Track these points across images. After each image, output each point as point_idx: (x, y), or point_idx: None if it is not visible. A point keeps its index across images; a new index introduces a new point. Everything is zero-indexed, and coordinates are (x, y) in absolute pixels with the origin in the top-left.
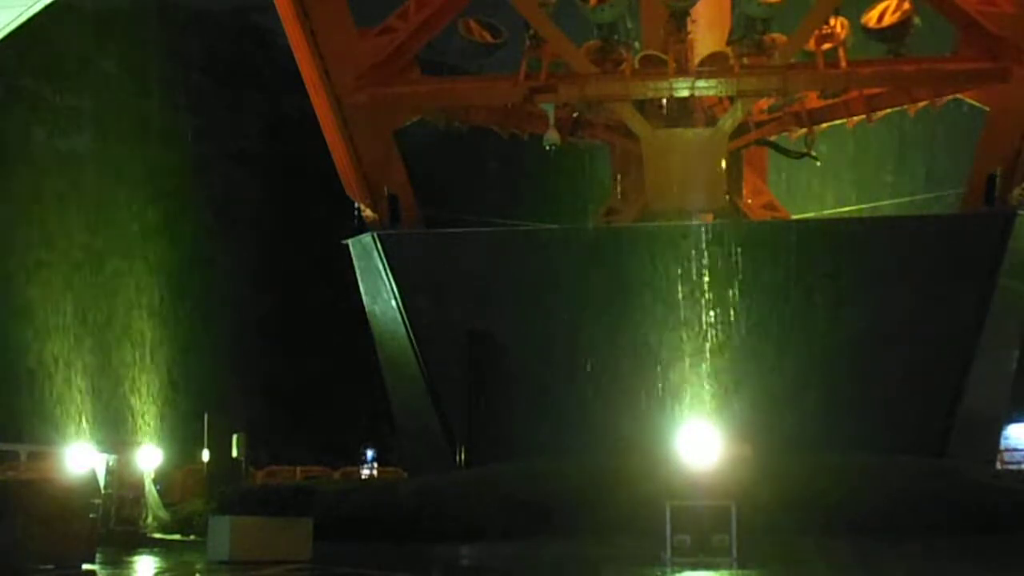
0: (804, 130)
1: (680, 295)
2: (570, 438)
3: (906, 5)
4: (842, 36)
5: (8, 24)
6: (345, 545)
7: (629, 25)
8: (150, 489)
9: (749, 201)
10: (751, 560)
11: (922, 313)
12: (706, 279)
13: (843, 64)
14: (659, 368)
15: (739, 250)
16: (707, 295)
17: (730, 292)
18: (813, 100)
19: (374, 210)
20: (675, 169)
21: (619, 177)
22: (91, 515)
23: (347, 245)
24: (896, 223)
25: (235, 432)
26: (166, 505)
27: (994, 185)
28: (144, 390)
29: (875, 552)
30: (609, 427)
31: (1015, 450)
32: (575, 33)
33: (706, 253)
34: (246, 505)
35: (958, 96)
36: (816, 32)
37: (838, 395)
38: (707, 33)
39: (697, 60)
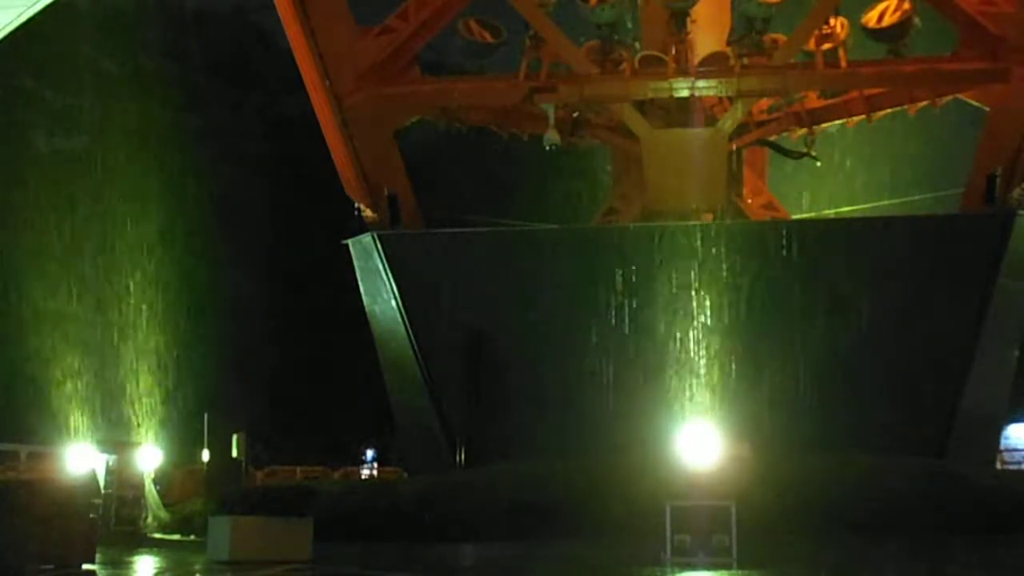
0: (804, 130)
1: (679, 295)
2: (570, 438)
3: (906, 5)
4: (842, 36)
5: (8, 24)
6: (345, 545)
7: (629, 25)
8: (150, 489)
9: (749, 201)
10: (751, 560)
11: (922, 313)
12: (705, 279)
13: (843, 64)
14: (659, 368)
15: (739, 250)
16: (707, 295)
17: (730, 292)
18: (813, 100)
19: (374, 210)
20: (675, 169)
21: (619, 177)
22: (91, 515)
23: (347, 245)
24: (896, 223)
25: (235, 432)
26: (166, 505)
27: (994, 185)
28: (144, 390)
29: (874, 552)
30: (609, 427)
31: (1015, 450)
32: (575, 33)
33: (706, 253)
34: (246, 505)
35: (958, 96)
36: (816, 32)
37: (838, 395)
38: (707, 33)
39: (697, 60)
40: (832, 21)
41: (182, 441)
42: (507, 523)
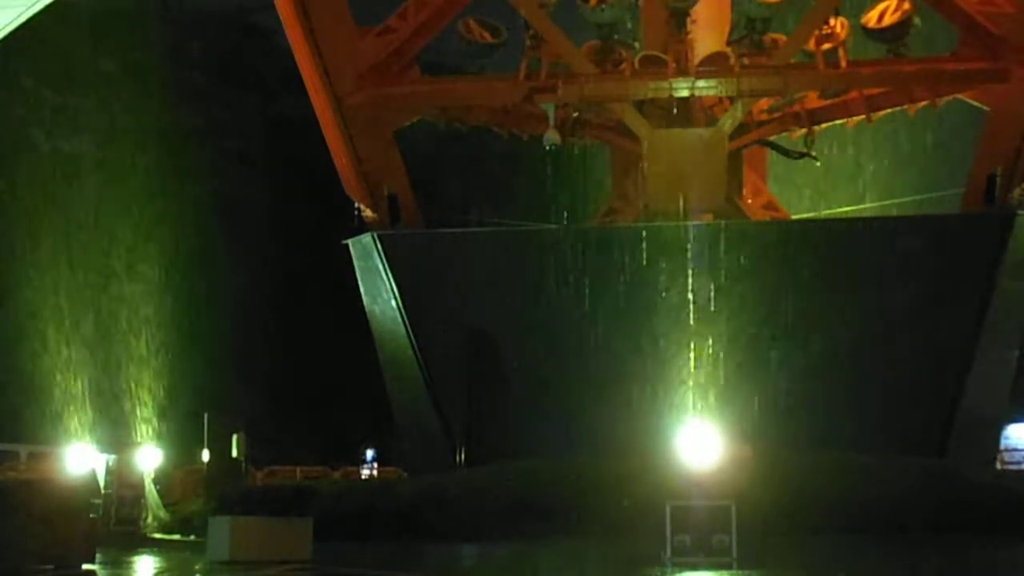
0: (804, 130)
1: (680, 295)
2: (570, 438)
3: (906, 5)
4: (842, 36)
5: (8, 24)
6: (345, 545)
7: (629, 25)
8: (150, 489)
9: (749, 201)
10: (751, 560)
11: (922, 313)
12: (705, 279)
13: (843, 64)
14: (659, 368)
15: (739, 250)
16: (707, 295)
17: (729, 292)
18: (813, 100)
19: (374, 210)
20: (675, 169)
21: (619, 177)
22: (91, 515)
23: (347, 245)
24: (896, 223)
25: (235, 432)
26: (166, 505)
27: (994, 185)
28: (144, 390)
29: (875, 552)
30: (609, 427)
31: (1015, 450)
32: (575, 33)
33: (706, 253)
34: (246, 505)
35: (958, 96)
36: (816, 32)
37: (838, 395)
38: (707, 33)
39: (697, 60)
40: (832, 21)
41: (182, 441)
42: (507, 523)
